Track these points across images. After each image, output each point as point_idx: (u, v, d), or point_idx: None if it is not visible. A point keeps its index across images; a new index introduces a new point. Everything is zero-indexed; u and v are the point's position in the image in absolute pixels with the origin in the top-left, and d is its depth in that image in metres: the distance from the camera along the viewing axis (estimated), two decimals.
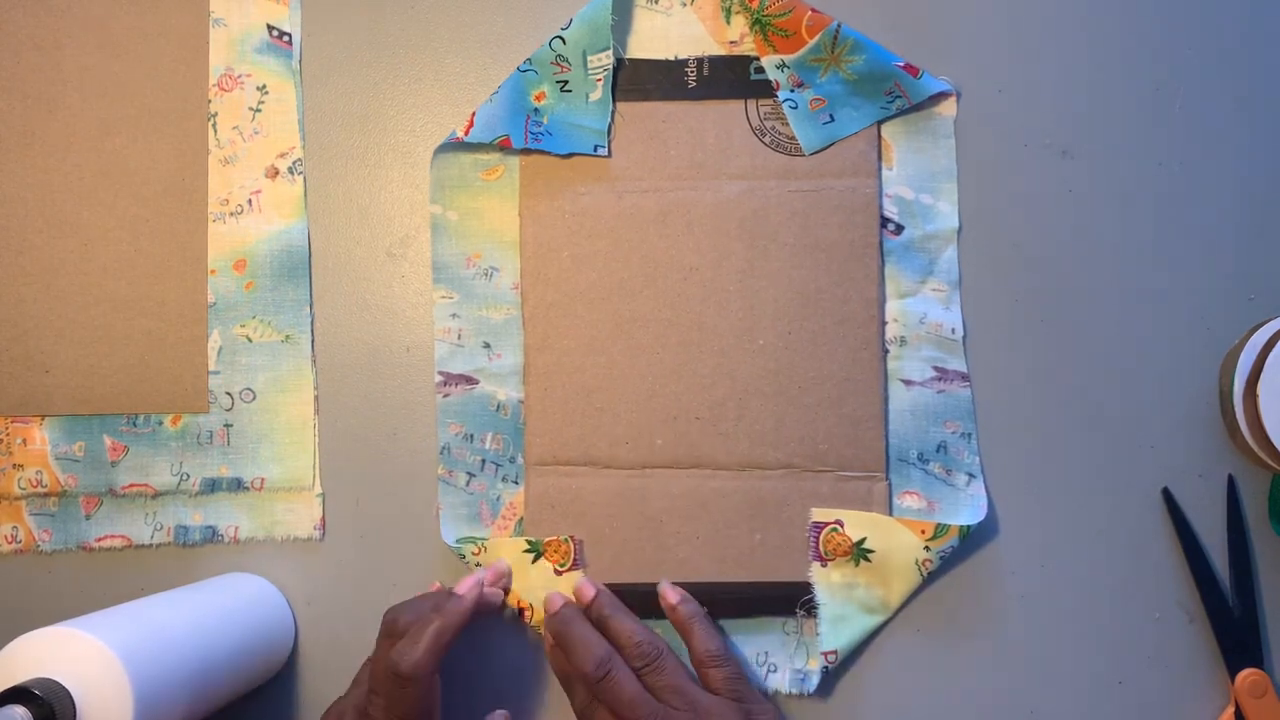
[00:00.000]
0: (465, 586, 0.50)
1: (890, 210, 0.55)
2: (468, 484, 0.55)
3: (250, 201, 0.56)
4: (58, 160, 0.56)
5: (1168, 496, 0.54)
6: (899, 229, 0.55)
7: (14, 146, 0.56)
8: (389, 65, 0.57)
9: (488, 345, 0.55)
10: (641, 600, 0.54)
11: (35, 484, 0.55)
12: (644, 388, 0.55)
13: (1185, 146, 0.55)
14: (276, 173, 0.56)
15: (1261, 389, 0.51)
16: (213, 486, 0.55)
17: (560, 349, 0.55)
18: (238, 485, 0.55)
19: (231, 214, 0.56)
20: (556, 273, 0.55)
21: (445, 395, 0.55)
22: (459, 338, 0.55)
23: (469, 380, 0.55)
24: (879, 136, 0.55)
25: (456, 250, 0.55)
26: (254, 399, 0.55)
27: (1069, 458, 0.54)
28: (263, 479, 0.55)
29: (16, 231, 0.56)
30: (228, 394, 0.55)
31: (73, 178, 0.56)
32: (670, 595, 0.53)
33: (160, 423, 0.55)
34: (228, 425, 0.55)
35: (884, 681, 0.54)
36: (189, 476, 0.55)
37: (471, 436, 0.55)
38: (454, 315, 0.55)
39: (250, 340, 0.55)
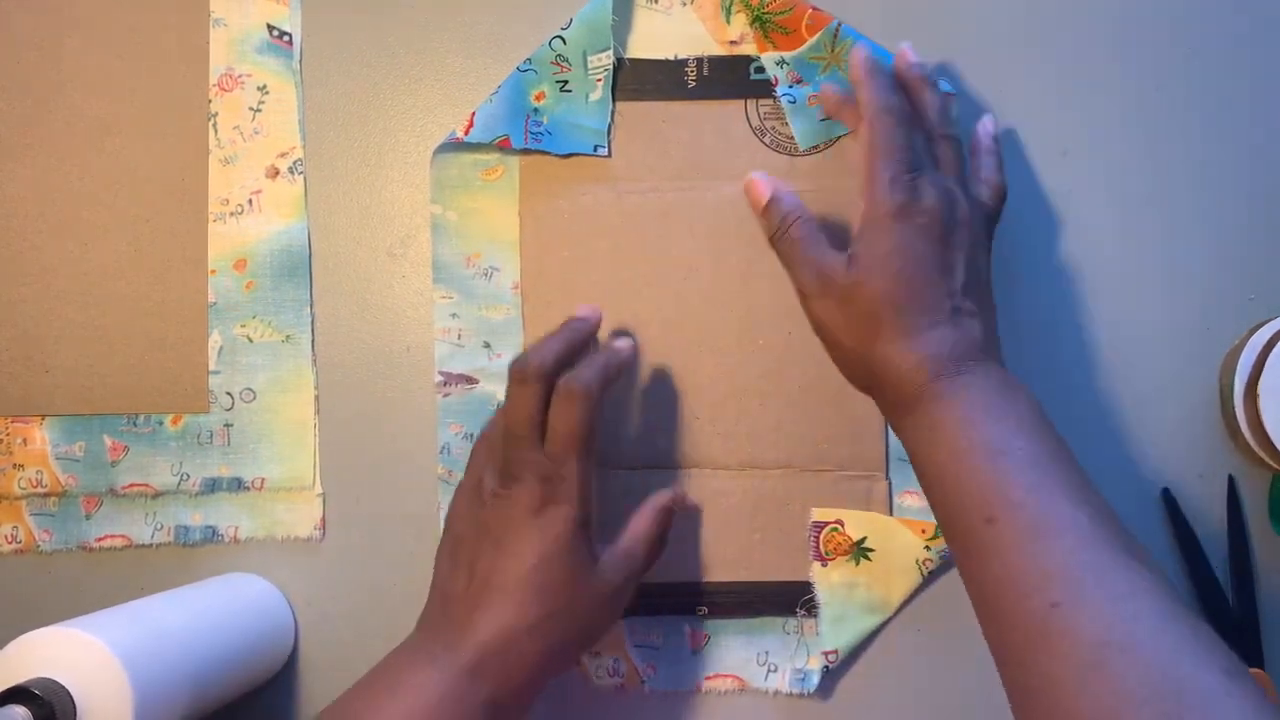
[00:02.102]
0: (623, 342, 0.50)
1: None
2: None
3: (250, 201, 0.56)
4: (58, 160, 0.56)
5: (1167, 496, 0.54)
6: None
7: (14, 146, 0.56)
8: (389, 65, 0.57)
9: (488, 345, 0.55)
10: (645, 597, 0.54)
11: (35, 484, 0.55)
12: (644, 387, 0.55)
13: (1185, 146, 0.55)
14: (277, 173, 0.56)
15: (1262, 389, 0.51)
16: (213, 486, 0.55)
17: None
18: (238, 485, 0.55)
19: (232, 214, 0.56)
20: (556, 273, 0.55)
21: (446, 395, 0.55)
22: (459, 338, 0.55)
23: (469, 380, 0.55)
24: None
25: (456, 250, 0.55)
26: (254, 399, 0.55)
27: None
28: (263, 479, 0.55)
29: (16, 231, 0.56)
30: (228, 394, 0.55)
31: (73, 178, 0.56)
32: (910, 55, 0.51)
33: (160, 423, 0.55)
34: (228, 425, 0.55)
35: (884, 682, 0.54)
36: (189, 476, 0.55)
37: (472, 436, 0.55)
38: (454, 315, 0.55)
39: (250, 340, 0.55)
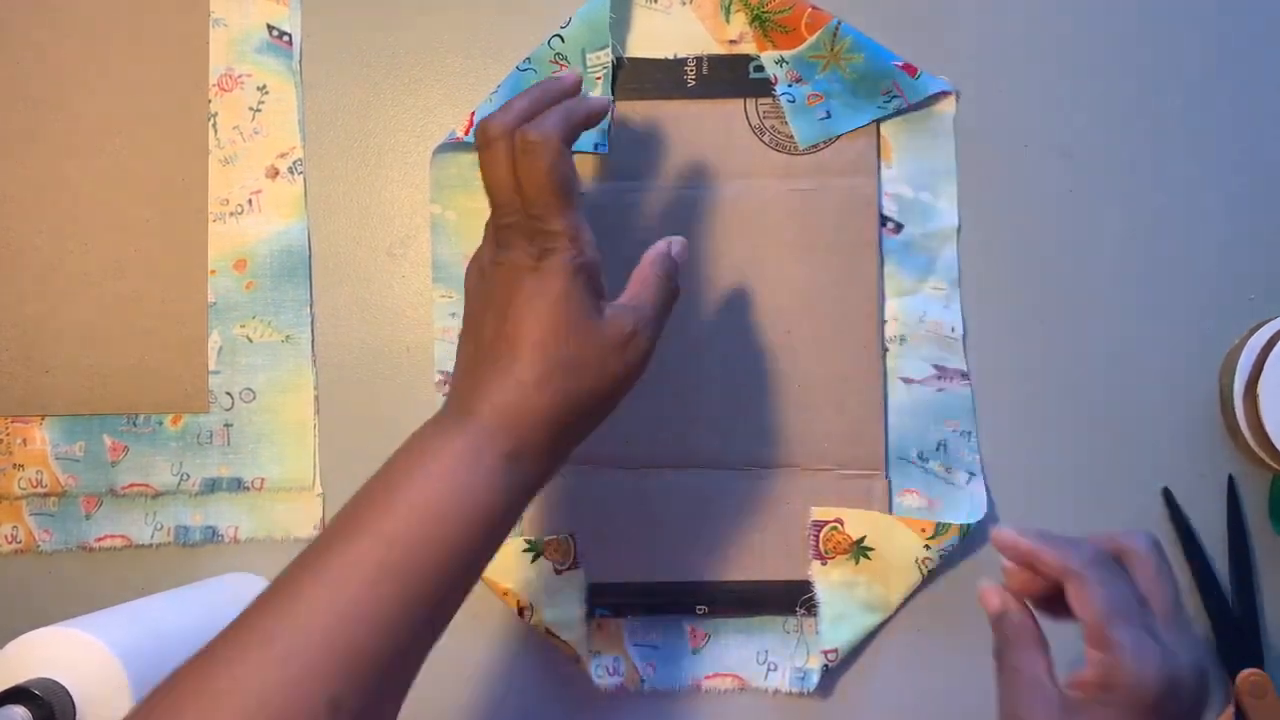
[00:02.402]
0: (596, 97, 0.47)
1: (890, 208, 0.55)
2: None
3: (250, 201, 0.56)
4: (58, 160, 0.56)
5: (1168, 496, 0.54)
6: (898, 227, 0.55)
7: (14, 146, 0.56)
8: (389, 65, 0.57)
9: None
10: (645, 596, 0.54)
11: (35, 484, 0.55)
12: (643, 386, 0.55)
13: (1185, 146, 0.55)
14: (276, 173, 0.56)
15: (1261, 389, 0.51)
16: (213, 486, 0.55)
17: None
18: (238, 485, 0.55)
19: (232, 214, 0.56)
20: None
21: (445, 394, 0.55)
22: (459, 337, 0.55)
23: None
24: (878, 135, 0.55)
25: (456, 250, 0.55)
26: (254, 399, 0.55)
27: (1069, 457, 0.54)
28: (263, 479, 0.55)
29: (16, 231, 0.56)
30: (228, 394, 0.55)
31: (73, 178, 0.56)
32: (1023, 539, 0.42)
33: (160, 423, 0.55)
34: (228, 425, 0.55)
35: (884, 681, 0.54)
36: (189, 476, 0.55)
37: None
38: (453, 314, 0.55)
39: (250, 340, 0.55)
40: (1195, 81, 0.55)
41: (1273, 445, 0.51)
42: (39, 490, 0.55)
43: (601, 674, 0.54)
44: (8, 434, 0.55)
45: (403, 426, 0.55)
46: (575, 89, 0.46)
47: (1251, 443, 0.52)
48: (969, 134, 0.55)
